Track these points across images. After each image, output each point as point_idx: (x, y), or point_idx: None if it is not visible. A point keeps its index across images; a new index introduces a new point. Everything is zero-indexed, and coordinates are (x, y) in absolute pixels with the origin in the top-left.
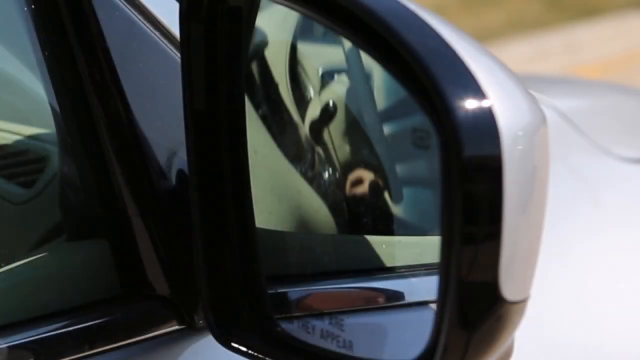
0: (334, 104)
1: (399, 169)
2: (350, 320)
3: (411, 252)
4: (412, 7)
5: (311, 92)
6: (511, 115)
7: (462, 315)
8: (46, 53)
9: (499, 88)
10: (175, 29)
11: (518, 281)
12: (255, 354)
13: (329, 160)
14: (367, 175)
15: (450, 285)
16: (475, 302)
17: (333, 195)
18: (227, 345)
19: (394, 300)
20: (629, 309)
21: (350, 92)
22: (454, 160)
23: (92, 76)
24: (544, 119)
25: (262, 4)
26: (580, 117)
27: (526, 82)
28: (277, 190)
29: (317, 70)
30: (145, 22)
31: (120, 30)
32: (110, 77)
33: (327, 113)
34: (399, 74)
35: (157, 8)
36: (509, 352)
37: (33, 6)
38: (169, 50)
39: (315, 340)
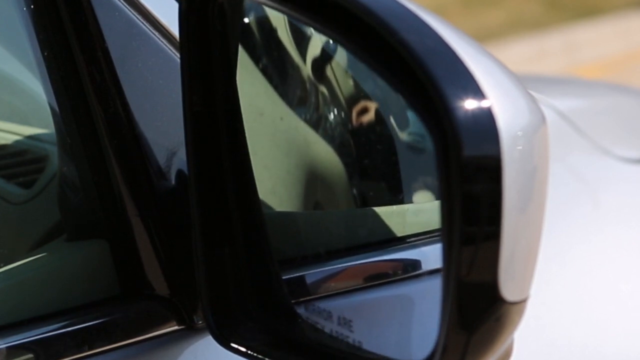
0: None
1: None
2: (358, 309)
3: (422, 218)
4: (411, 7)
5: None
6: (511, 116)
7: (461, 315)
8: (46, 53)
9: (498, 88)
10: (175, 29)
11: (518, 281)
12: (254, 354)
13: (333, 97)
14: (372, 105)
15: (449, 285)
16: (475, 303)
17: (340, 136)
18: (226, 345)
19: (410, 271)
20: (628, 309)
21: None
22: (454, 161)
23: (92, 76)
24: (543, 119)
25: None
26: (580, 117)
27: (526, 82)
28: (282, 144)
29: None
30: (144, 22)
31: (120, 30)
32: (109, 77)
33: (328, 49)
34: (397, 75)
35: (157, 8)
36: (509, 352)
37: (33, 6)
38: (169, 51)
39: (317, 339)
